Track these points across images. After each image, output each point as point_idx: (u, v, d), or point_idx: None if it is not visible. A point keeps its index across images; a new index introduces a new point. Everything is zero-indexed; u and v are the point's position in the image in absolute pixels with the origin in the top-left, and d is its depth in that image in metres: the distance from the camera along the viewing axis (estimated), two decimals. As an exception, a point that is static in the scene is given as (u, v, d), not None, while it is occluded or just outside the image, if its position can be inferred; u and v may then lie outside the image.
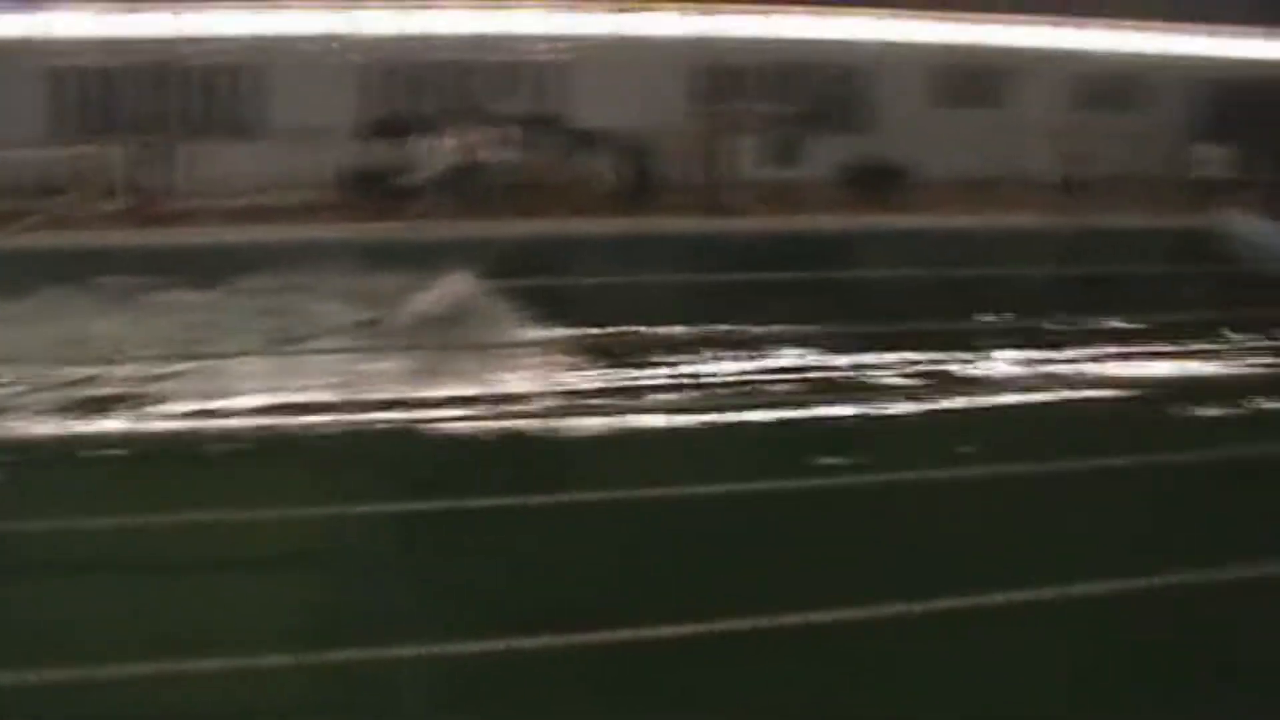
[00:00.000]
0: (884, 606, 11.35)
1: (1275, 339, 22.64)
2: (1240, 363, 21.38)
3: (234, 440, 14.93)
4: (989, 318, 21.93)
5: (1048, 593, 11.65)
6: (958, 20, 30.75)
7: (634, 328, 20.18)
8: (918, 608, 11.23)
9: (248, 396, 16.35)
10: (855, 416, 17.03)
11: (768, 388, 18.25)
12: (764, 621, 10.71)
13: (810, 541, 13.27)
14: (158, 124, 27.10)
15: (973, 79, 31.65)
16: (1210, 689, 10.46)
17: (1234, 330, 22.71)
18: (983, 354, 20.21)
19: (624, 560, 12.50)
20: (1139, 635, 11.37)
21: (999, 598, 11.47)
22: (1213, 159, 31.14)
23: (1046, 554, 13.20)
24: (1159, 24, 32.47)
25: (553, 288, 21.45)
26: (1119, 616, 11.74)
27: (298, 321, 19.56)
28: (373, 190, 26.52)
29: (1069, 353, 20.85)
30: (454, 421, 15.86)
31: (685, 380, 18.28)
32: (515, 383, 17.47)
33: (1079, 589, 11.89)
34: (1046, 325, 21.85)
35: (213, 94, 27.67)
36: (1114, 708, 10.29)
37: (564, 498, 13.43)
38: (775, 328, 20.53)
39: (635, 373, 18.29)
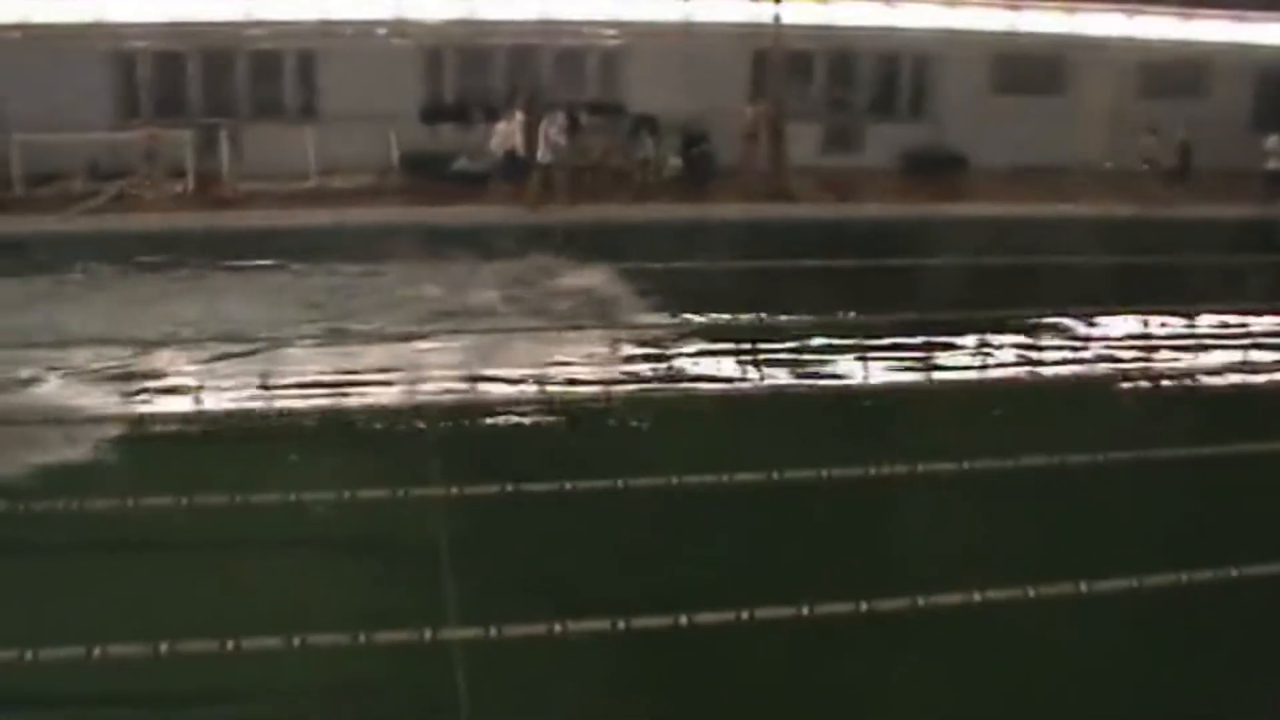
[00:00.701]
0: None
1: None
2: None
3: (297, 418, 15.25)
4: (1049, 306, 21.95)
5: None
6: (1020, 7, 30.48)
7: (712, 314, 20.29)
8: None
9: (311, 377, 16.66)
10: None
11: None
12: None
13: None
14: (222, 108, 27.36)
15: (1034, 66, 31.35)
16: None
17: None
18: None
19: (668, 545, 12.69)
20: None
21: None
22: (1275, 148, 30.80)
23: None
24: (1225, 11, 32.04)
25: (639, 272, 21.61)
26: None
27: (359, 303, 19.84)
28: (434, 174, 26.69)
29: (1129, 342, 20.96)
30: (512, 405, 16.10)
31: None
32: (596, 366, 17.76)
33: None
34: (1107, 314, 21.85)
35: (276, 78, 27.88)
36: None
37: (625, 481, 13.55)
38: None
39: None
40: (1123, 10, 31.49)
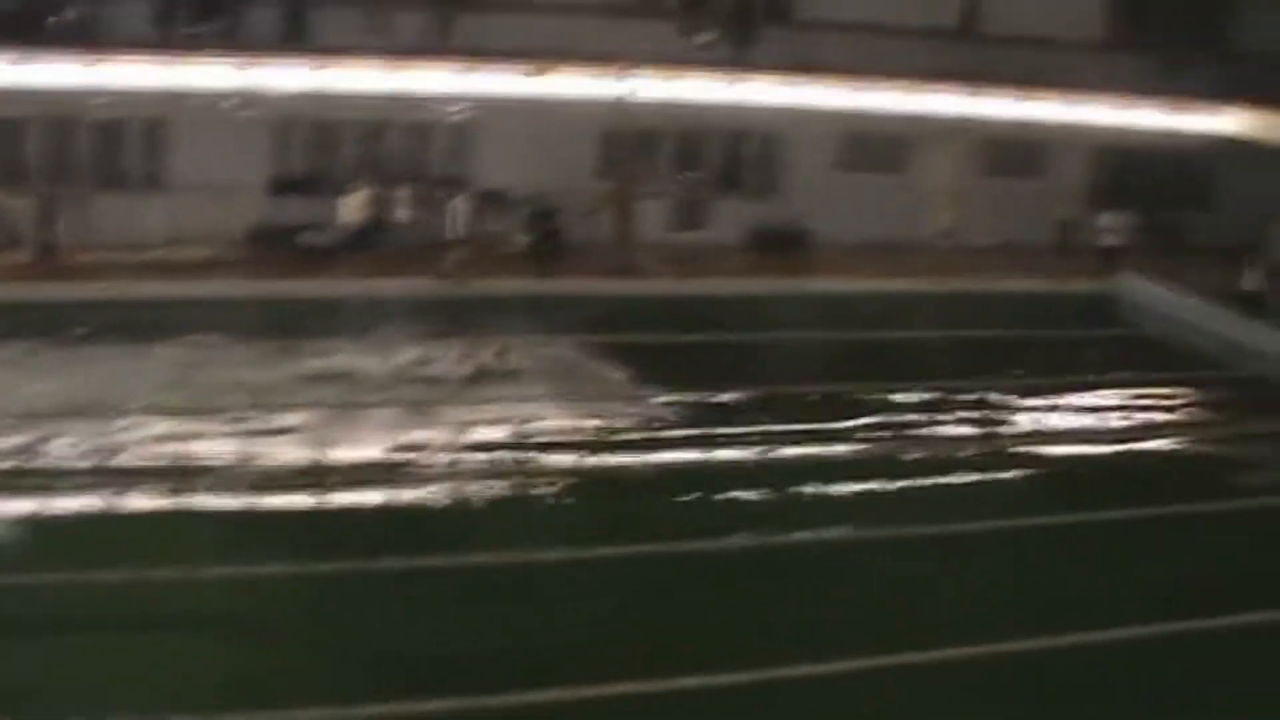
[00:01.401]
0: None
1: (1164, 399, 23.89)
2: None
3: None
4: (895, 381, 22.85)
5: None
6: (864, 87, 31.35)
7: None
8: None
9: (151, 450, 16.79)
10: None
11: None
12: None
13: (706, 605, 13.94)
14: (64, 176, 27.21)
15: (878, 145, 32.34)
16: None
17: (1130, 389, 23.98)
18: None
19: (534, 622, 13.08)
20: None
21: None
22: (1110, 225, 32.08)
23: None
24: (1061, 92, 33.27)
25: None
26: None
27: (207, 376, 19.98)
28: (281, 246, 26.79)
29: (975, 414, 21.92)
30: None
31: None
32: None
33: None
34: (950, 388, 22.81)
35: (120, 147, 27.83)
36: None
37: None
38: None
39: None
40: (964, 90, 32.43)
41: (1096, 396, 24.06)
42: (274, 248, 26.90)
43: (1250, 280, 28.49)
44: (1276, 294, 28.26)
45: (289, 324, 22.77)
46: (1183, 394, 24.76)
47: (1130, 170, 35.05)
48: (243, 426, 18.14)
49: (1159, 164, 35.14)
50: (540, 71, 28.66)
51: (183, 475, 16.13)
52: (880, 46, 30.64)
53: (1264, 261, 28.92)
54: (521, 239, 28.54)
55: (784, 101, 30.99)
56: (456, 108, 28.65)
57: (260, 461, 16.84)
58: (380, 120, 28.76)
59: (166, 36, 26.75)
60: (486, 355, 22.05)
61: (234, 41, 27.19)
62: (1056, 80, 32.86)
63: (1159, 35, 34.45)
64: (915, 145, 32.87)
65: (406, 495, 16.29)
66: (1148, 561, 16.53)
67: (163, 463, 16.62)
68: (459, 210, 27.44)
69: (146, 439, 17.41)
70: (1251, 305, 27.90)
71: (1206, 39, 34.72)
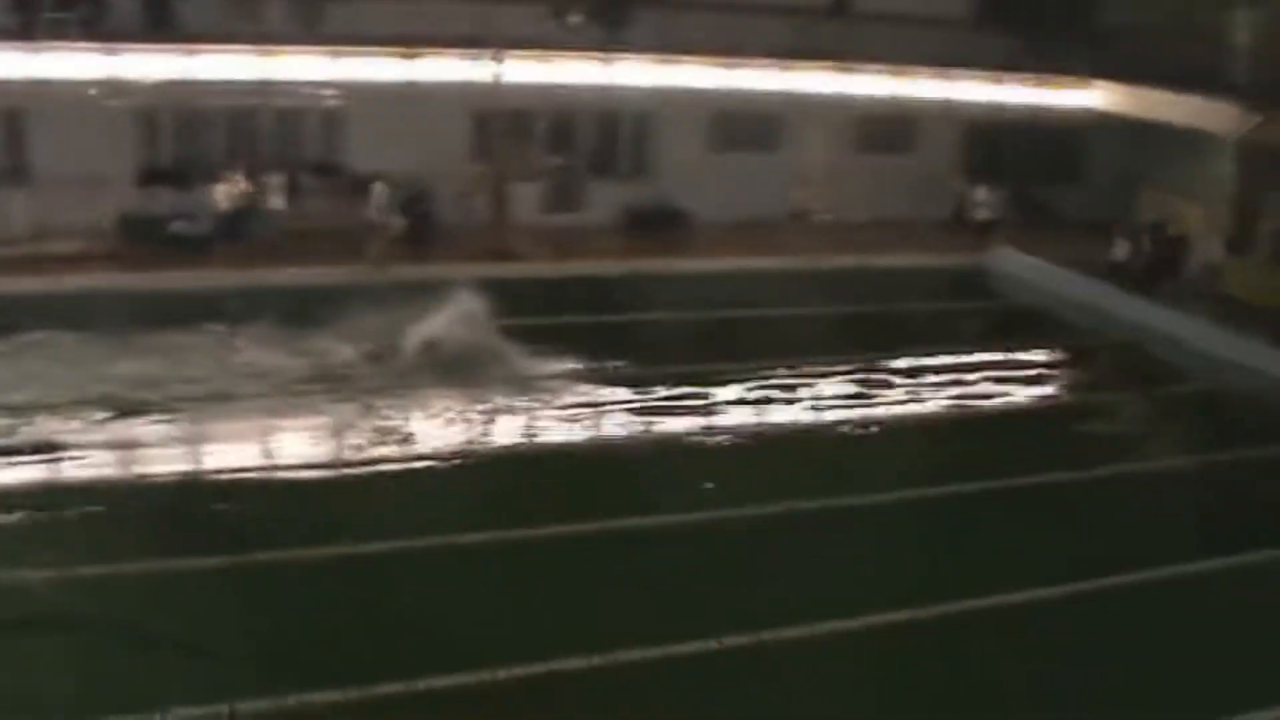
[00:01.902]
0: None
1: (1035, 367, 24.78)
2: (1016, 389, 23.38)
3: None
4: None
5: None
6: (736, 66, 31.77)
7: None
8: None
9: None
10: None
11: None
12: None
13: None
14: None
15: (751, 124, 32.80)
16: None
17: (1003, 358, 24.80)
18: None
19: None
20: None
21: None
22: (982, 200, 32.90)
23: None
24: (933, 69, 33.94)
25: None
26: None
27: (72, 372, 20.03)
28: (152, 238, 26.70)
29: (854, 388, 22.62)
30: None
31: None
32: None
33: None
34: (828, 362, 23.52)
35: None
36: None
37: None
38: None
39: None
40: (835, 68, 32.97)
41: (970, 366, 24.86)
42: (145, 239, 26.71)
43: (1119, 250, 29.42)
44: (1141, 263, 29.24)
45: (153, 317, 22.82)
46: (1054, 362, 25.67)
47: (1001, 145, 35.89)
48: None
49: (1029, 139, 36.00)
50: (411, 55, 28.71)
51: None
52: (751, 26, 31.10)
53: (1129, 231, 29.86)
54: (395, 224, 28.66)
55: (656, 82, 31.30)
56: (328, 93, 28.59)
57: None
58: (250, 107, 28.52)
59: (28, 24, 26.41)
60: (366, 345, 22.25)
61: (98, 29, 26.87)
62: (926, 57, 33.49)
63: (1026, 12, 35.23)
64: (788, 124, 33.31)
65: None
66: (1017, 532, 17.26)
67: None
68: (378, 197, 27.49)
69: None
70: (1119, 275, 28.86)
71: (1072, 16, 35.58)
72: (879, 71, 33.52)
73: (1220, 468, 20.50)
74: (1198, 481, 20.21)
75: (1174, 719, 12.87)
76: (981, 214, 33.09)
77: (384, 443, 18.66)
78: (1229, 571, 16.24)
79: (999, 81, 34.83)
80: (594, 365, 22.43)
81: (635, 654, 12.76)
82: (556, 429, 19.99)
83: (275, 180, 27.50)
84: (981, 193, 33.39)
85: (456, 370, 21.44)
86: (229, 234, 26.78)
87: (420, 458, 18.41)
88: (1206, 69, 30.67)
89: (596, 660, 12.56)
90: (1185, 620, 14.91)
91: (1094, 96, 35.25)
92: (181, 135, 28.34)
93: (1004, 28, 34.74)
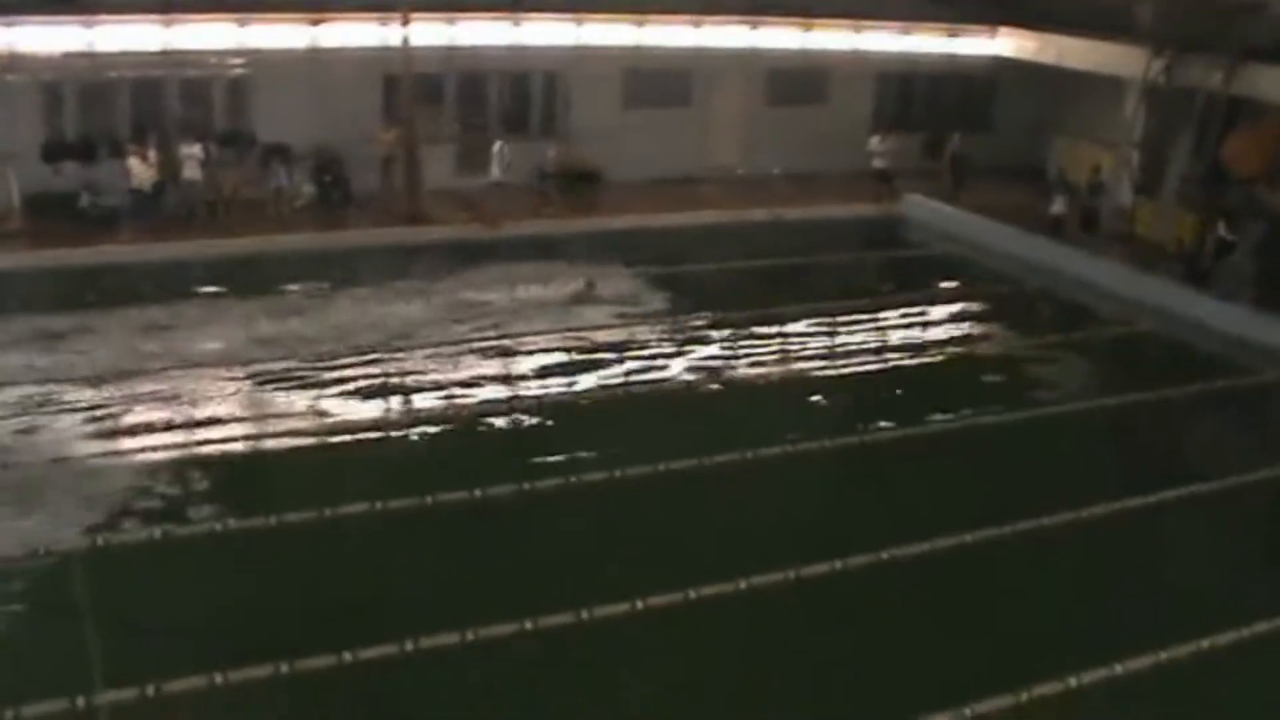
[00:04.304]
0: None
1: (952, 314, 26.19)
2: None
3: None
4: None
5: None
6: (646, 22, 32.82)
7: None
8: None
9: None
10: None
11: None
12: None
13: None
14: None
15: (662, 80, 33.91)
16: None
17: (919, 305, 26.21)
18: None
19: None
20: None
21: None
22: (893, 150, 34.29)
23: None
24: (843, 20, 35.20)
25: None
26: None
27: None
28: (61, 214, 27.23)
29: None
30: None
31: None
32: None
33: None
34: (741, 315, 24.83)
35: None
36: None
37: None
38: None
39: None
40: (746, 22, 34.16)
41: (889, 314, 26.30)
42: (54, 216, 27.20)
43: (1057, 205, 30.99)
44: (1074, 216, 30.92)
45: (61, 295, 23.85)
46: (970, 308, 27.12)
47: (912, 96, 37.39)
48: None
49: (940, 89, 37.50)
50: (318, 21, 29.39)
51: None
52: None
53: (1064, 187, 31.48)
54: (308, 191, 29.52)
55: (567, 41, 32.33)
56: (234, 62, 29.24)
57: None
58: (156, 78, 29.01)
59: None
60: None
61: (-5, 3, 27.32)
62: (837, 9, 34.76)
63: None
64: (699, 79, 34.44)
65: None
66: (933, 478, 18.70)
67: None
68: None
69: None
70: (1058, 229, 30.53)
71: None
72: (789, 24, 34.72)
73: (1127, 409, 22.06)
74: (1107, 423, 21.73)
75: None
76: (878, 163, 34.51)
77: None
78: (1144, 509, 17.70)
79: (909, 32, 36.22)
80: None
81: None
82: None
83: (187, 152, 28.12)
84: (877, 142, 34.82)
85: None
86: (142, 208, 27.49)
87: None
88: (1113, 14, 32.25)
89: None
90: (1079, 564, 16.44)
91: (1003, 44, 36.78)
92: (87, 108, 28.74)
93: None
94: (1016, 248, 30.39)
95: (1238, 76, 29.09)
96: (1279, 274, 26.19)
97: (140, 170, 27.51)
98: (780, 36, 34.95)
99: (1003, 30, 36.68)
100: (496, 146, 30.41)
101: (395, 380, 21.03)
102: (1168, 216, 30.25)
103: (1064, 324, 26.50)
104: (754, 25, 34.44)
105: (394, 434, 19.13)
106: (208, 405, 19.46)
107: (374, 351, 22.06)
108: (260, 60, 29.33)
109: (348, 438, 18.79)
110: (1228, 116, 29.98)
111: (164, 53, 28.63)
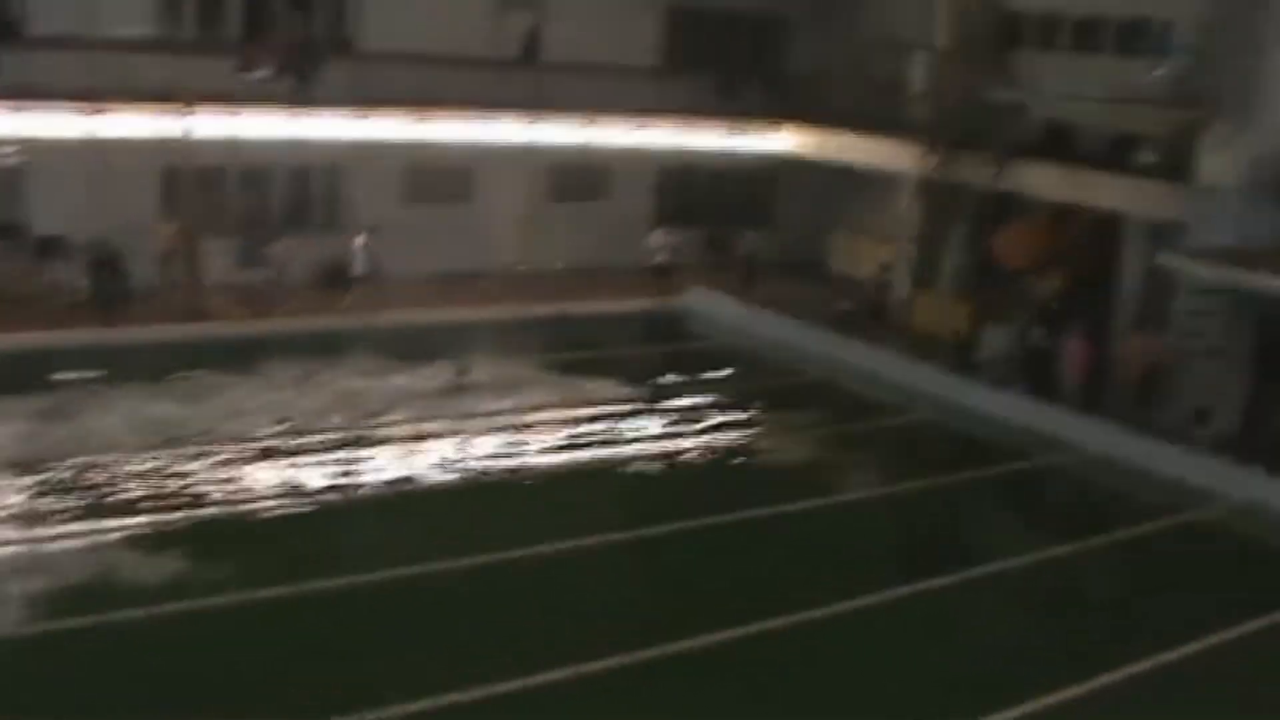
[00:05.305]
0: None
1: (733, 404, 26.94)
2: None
3: None
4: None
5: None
6: (427, 118, 33.27)
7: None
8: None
9: None
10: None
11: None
12: None
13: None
14: None
15: (443, 176, 34.45)
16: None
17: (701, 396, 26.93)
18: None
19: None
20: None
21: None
22: (674, 245, 35.24)
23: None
24: (624, 116, 36.11)
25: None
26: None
27: None
28: None
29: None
30: None
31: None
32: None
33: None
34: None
35: None
36: None
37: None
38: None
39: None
40: (527, 118, 34.82)
41: (671, 406, 26.99)
42: None
43: (846, 301, 32.28)
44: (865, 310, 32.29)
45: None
46: (752, 400, 27.94)
47: (693, 191, 38.52)
48: None
49: (721, 184, 38.73)
50: (96, 110, 29.19)
51: None
52: (443, 78, 32.67)
53: (850, 285, 32.89)
54: (82, 286, 29.08)
55: (348, 135, 32.56)
56: (7, 150, 28.87)
57: None
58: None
59: None
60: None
61: None
62: (618, 106, 35.74)
63: (713, 61, 38.03)
64: (482, 175, 35.07)
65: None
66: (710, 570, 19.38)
67: None
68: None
69: None
70: (849, 322, 32.09)
71: (759, 64, 38.60)
72: (570, 120, 35.52)
73: (902, 498, 23.11)
74: (885, 511, 22.73)
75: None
76: (659, 258, 35.51)
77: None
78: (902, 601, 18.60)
79: (690, 127, 37.33)
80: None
81: None
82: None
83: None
84: (659, 237, 35.85)
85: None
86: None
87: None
88: (889, 112, 33.85)
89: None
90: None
91: (783, 140, 38.14)
92: None
93: (693, 75, 37.33)
94: (799, 340, 31.58)
95: (1006, 173, 30.66)
96: (1045, 362, 27.65)
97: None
98: (561, 133, 35.63)
99: (783, 127, 38.00)
100: (278, 242, 30.53)
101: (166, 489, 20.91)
102: (943, 308, 31.60)
103: (845, 414, 27.53)
104: (534, 121, 35.06)
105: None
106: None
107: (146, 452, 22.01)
108: (35, 149, 28.96)
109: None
110: (998, 211, 31.53)
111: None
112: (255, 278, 30.73)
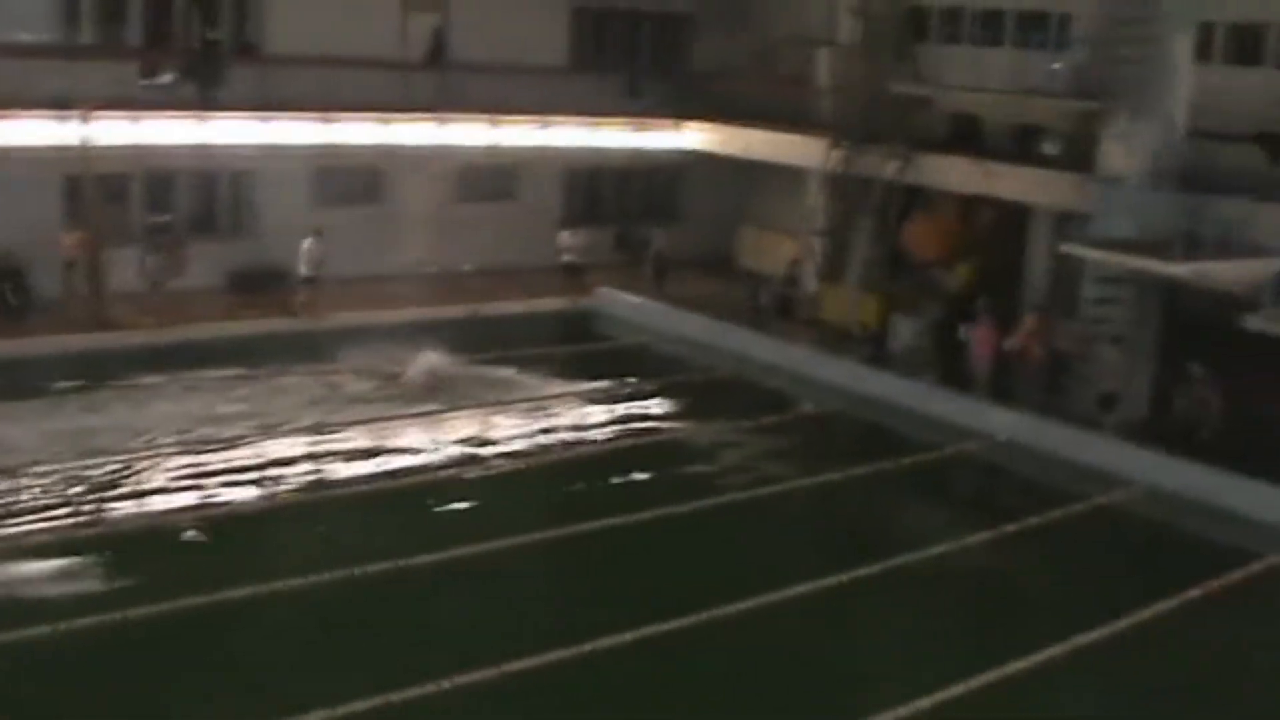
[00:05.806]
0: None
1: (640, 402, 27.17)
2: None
3: None
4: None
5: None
6: (335, 120, 33.29)
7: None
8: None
9: None
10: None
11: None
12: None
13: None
14: None
15: (352, 178, 34.52)
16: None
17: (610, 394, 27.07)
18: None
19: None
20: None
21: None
22: (582, 244, 35.43)
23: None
24: (531, 117, 36.26)
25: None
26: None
27: None
28: None
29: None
30: None
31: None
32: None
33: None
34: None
35: None
36: None
37: None
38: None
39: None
40: (434, 119, 34.86)
41: (579, 404, 27.17)
42: None
43: (764, 296, 32.60)
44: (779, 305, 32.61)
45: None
46: (661, 397, 28.18)
47: (601, 189, 38.75)
48: None
49: (629, 181, 38.97)
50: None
51: None
52: (349, 80, 32.77)
53: (766, 282, 33.17)
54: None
55: (255, 139, 32.42)
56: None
57: None
58: None
59: None
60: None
61: None
62: (525, 106, 35.87)
63: (619, 60, 38.31)
64: (390, 176, 35.07)
65: None
66: (633, 566, 19.67)
67: None
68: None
69: None
70: (764, 317, 32.40)
71: (663, 62, 38.92)
72: (478, 120, 35.61)
73: (815, 490, 23.42)
74: (797, 505, 23.01)
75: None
76: (569, 257, 35.76)
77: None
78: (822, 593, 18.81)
79: (597, 126, 37.53)
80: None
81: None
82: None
83: None
84: (566, 237, 36.05)
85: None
86: None
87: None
88: (794, 107, 34.21)
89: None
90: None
91: (690, 138, 38.43)
92: None
93: (600, 75, 37.55)
94: (709, 336, 31.87)
95: (913, 166, 31.04)
96: (955, 352, 28.04)
97: None
98: (469, 133, 35.71)
99: (689, 124, 38.29)
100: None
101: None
102: (852, 301, 31.94)
103: (755, 408, 27.78)
104: (442, 122, 35.11)
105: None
106: None
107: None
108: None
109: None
110: (906, 204, 31.91)
111: None
112: (164, 285, 30.46)
